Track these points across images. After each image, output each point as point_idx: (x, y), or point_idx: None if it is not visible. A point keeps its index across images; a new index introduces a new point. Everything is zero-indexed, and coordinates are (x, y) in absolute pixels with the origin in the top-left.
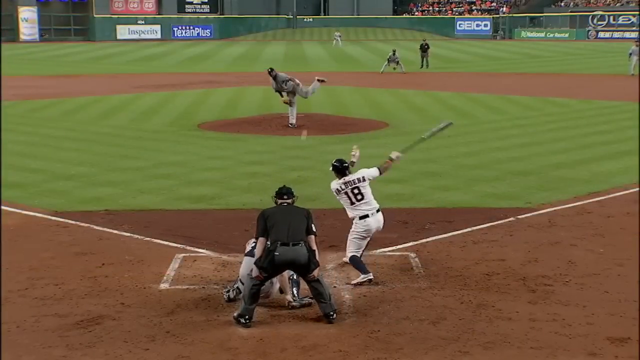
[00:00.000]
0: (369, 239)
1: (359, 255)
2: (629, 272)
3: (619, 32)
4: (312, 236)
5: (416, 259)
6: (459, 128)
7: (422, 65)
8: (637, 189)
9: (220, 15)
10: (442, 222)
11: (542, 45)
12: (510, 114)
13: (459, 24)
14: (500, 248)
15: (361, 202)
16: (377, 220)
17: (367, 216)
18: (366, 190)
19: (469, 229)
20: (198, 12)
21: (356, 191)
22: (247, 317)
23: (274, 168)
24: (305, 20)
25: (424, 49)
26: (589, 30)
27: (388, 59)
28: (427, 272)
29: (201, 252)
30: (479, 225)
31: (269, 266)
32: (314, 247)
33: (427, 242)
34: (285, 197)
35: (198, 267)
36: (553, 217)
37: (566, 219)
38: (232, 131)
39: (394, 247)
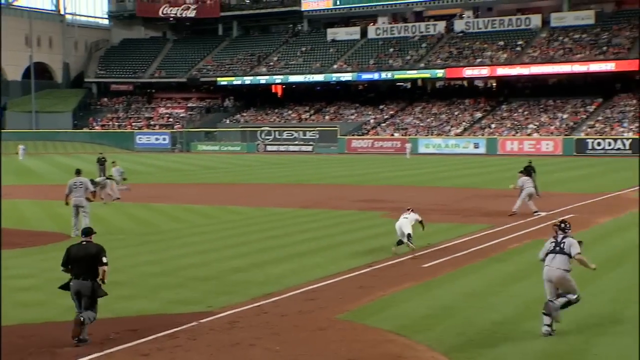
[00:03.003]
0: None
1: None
2: None
3: (284, 146)
4: (104, 267)
5: None
6: (142, 237)
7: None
8: (304, 289)
9: None
10: (127, 332)
11: (217, 157)
12: (191, 222)
13: (139, 138)
14: (184, 353)
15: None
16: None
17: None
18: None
19: (153, 336)
20: None
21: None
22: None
23: None
24: None
25: (101, 162)
26: (257, 144)
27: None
28: None
29: None
30: (164, 331)
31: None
32: (104, 277)
33: (112, 352)
34: (84, 235)
35: None
36: (233, 319)
37: (245, 320)
38: None
39: None
